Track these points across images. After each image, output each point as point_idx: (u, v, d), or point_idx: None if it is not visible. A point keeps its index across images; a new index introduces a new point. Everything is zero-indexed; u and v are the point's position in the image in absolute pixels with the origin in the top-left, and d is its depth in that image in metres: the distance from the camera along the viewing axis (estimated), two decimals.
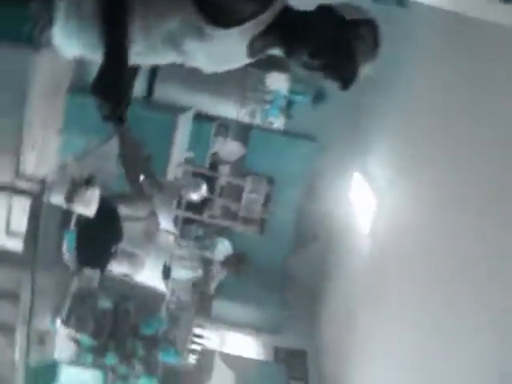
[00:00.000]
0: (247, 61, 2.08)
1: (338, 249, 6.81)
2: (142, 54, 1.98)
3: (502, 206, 3.14)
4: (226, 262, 5.92)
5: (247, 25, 1.89)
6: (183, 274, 6.63)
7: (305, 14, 1.94)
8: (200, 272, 5.76)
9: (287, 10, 1.94)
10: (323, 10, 1.93)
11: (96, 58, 1.88)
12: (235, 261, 5.95)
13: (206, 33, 1.87)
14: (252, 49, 1.98)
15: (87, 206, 3.95)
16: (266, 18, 1.91)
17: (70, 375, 4.34)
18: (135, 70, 2.16)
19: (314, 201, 6.89)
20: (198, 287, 5.97)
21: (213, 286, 5.96)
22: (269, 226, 7.10)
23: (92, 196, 4.02)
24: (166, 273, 5.89)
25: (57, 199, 4.03)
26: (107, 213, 4.44)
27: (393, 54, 3.41)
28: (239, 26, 1.88)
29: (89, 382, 4.36)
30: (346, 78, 1.94)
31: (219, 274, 6.01)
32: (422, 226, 4.24)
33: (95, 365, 4.27)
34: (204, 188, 6.18)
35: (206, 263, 5.77)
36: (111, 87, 1.87)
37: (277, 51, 2.00)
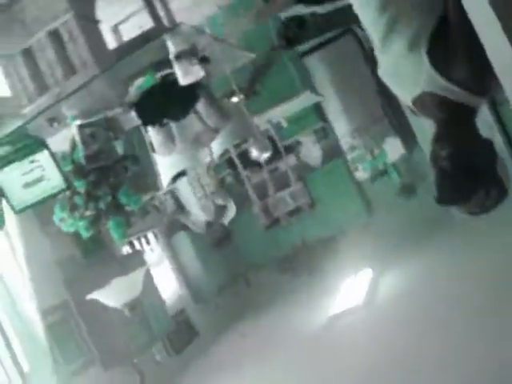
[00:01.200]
0: None
1: None
2: None
3: None
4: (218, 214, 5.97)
5: None
6: (191, 199, 6.71)
7: None
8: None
9: None
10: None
11: None
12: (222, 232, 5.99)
13: None
14: None
15: (185, 74, 4.00)
16: None
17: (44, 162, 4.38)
18: None
19: None
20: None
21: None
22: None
23: (196, 71, 4.06)
24: (175, 179, 5.94)
25: (170, 46, 4.07)
26: (188, 93, 4.47)
27: None
28: None
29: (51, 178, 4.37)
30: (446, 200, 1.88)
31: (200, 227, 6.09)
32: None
33: (65, 175, 4.30)
34: (266, 155, 6.20)
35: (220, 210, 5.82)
36: None
37: None
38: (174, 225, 7.08)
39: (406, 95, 1.77)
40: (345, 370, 4.27)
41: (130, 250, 6.48)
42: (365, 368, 4.13)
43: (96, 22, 4.26)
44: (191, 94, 4.69)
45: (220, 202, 5.93)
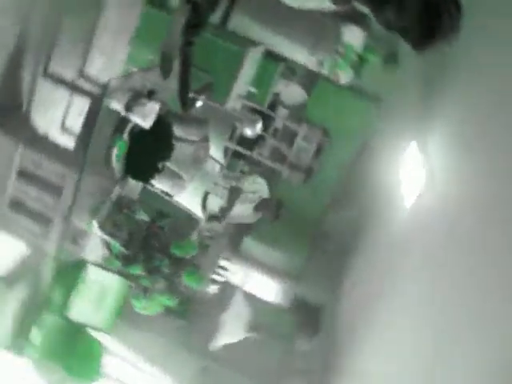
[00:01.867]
0: (329, 5, 2.04)
1: (377, 215, 6.77)
2: None
3: None
4: (263, 204, 5.95)
5: None
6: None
7: None
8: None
9: None
10: None
11: None
12: (273, 206, 5.98)
13: None
14: None
15: (145, 118, 3.98)
16: None
17: (96, 276, 4.46)
18: None
19: (365, 161, 6.82)
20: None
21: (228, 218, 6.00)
22: (314, 177, 7.06)
23: (151, 109, 4.04)
24: (204, 202, 5.94)
25: (116, 105, 4.06)
26: (161, 129, 4.46)
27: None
28: None
29: (112, 287, 4.49)
30: (422, 43, 1.92)
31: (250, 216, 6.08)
32: (468, 213, 4.15)
33: (121, 272, 4.38)
34: (259, 125, 6.14)
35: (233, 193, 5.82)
36: None
37: (363, 7, 1.97)
38: (234, 238, 7.09)
39: None
40: None
41: (215, 288, 6.52)
42: None
43: None
44: (163, 127, 4.68)
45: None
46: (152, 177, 4.47)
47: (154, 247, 4.66)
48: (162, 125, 4.47)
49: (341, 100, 6.91)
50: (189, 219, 5.76)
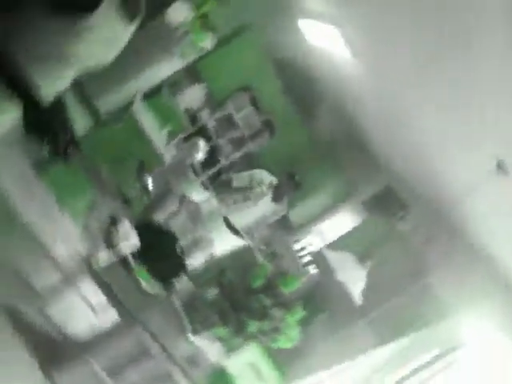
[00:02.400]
0: None
1: None
2: None
3: None
4: (277, 191, 5.97)
5: None
6: (247, 215, 6.73)
7: None
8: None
9: None
10: None
11: None
12: (287, 183, 5.98)
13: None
14: None
15: (129, 240, 3.99)
16: None
17: (237, 364, 4.49)
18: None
19: None
20: None
21: None
22: None
23: (125, 230, 4.05)
24: (232, 227, 5.96)
25: (104, 256, 4.08)
26: (149, 230, 4.47)
27: None
28: None
29: (254, 357, 4.51)
30: None
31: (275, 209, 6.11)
32: None
33: (243, 341, 4.40)
34: (201, 143, 6.14)
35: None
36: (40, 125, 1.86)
37: None
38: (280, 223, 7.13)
39: None
40: None
41: (313, 267, 6.53)
42: None
43: None
44: (151, 229, 4.68)
45: None
46: (183, 264, 4.48)
47: (242, 298, 4.67)
48: (145, 228, 4.47)
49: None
50: (242, 253, 5.78)
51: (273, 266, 5.21)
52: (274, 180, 6.35)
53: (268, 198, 6.48)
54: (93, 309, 4.49)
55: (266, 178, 6.19)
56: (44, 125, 1.91)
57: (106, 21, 1.79)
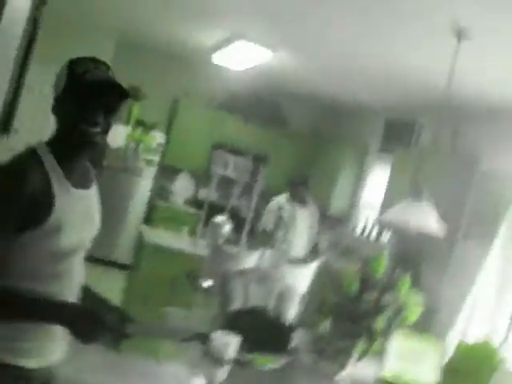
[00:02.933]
0: None
1: None
2: None
3: None
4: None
5: None
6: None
7: None
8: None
9: None
10: None
11: None
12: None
13: None
14: None
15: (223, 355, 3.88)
16: None
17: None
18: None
19: None
20: None
21: None
22: None
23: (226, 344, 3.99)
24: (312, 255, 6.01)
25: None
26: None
27: None
28: None
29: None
30: None
31: None
32: None
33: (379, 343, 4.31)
34: (218, 220, 6.21)
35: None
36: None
37: None
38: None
39: None
40: None
41: None
42: None
43: None
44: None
45: None
46: (288, 328, 4.44)
47: (355, 310, 4.61)
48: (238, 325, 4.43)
49: None
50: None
51: (353, 263, 5.16)
52: (286, 196, 6.41)
53: (300, 212, 6.50)
54: None
55: (280, 201, 6.27)
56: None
57: None
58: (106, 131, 2.24)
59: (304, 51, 7.45)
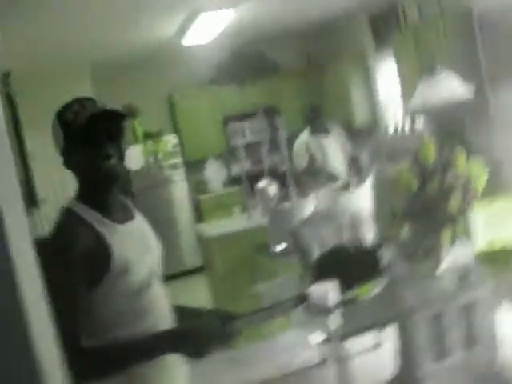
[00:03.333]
0: None
1: None
2: None
3: None
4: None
5: None
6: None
7: None
8: None
9: None
10: None
11: None
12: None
13: None
14: None
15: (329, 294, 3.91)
16: None
17: None
18: None
19: None
20: None
21: None
22: None
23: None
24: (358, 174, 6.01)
25: None
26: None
27: None
28: None
29: None
30: None
31: None
32: None
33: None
34: (262, 184, 6.21)
35: None
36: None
37: None
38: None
39: None
40: None
41: None
42: None
43: None
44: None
45: None
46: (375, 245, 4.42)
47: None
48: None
49: None
50: None
51: (402, 162, 5.07)
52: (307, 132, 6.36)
53: (326, 141, 6.48)
54: None
55: (303, 138, 6.26)
56: None
57: None
58: (121, 158, 2.22)
59: None
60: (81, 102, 2.20)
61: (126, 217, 2.32)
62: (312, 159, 7.19)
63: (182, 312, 2.46)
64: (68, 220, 2.15)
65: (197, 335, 2.13)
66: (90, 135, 2.14)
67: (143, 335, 2.15)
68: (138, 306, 2.18)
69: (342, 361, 4.23)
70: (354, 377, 4.25)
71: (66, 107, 2.19)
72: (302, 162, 7.31)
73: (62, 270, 2.00)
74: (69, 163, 2.22)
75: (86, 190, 2.23)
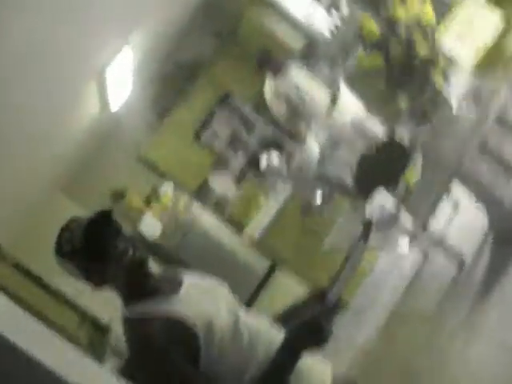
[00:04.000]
0: None
1: None
2: None
3: None
4: None
5: None
6: None
7: None
8: None
9: None
10: None
11: None
12: None
13: None
14: None
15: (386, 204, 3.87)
16: None
17: None
18: None
19: None
20: None
21: None
22: None
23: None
24: None
25: None
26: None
27: None
28: None
29: None
30: None
31: None
32: None
33: None
34: (265, 156, 6.16)
35: None
36: None
37: None
38: None
39: None
40: None
41: None
42: None
43: None
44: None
45: None
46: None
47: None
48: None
49: None
50: None
51: None
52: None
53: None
54: None
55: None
56: None
57: None
58: (135, 244, 2.19)
59: None
60: (67, 227, 2.18)
61: (175, 285, 2.29)
62: (288, 103, 6.73)
63: (287, 314, 2.45)
64: (160, 325, 2.11)
65: (313, 327, 2.11)
66: (95, 245, 2.12)
67: (273, 358, 2.15)
68: (235, 347, 2.17)
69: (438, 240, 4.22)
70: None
71: (60, 238, 2.17)
72: (279, 109, 6.80)
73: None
74: (97, 281, 2.20)
75: (131, 290, 2.20)
